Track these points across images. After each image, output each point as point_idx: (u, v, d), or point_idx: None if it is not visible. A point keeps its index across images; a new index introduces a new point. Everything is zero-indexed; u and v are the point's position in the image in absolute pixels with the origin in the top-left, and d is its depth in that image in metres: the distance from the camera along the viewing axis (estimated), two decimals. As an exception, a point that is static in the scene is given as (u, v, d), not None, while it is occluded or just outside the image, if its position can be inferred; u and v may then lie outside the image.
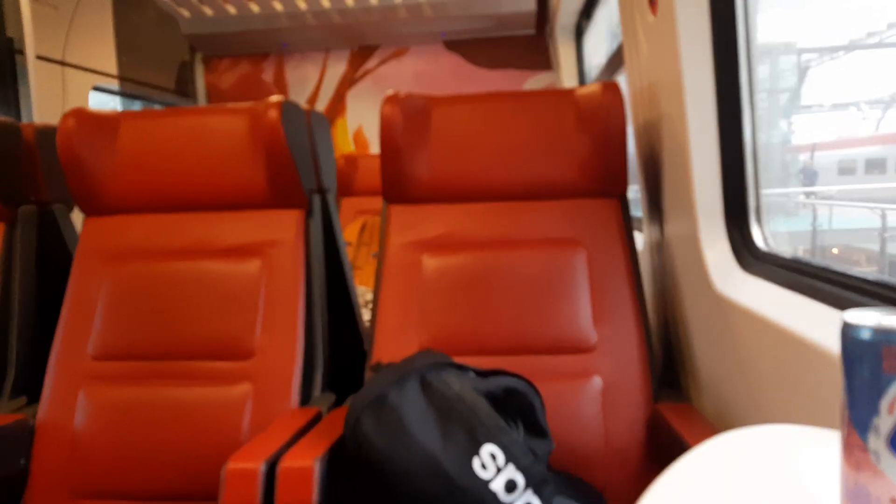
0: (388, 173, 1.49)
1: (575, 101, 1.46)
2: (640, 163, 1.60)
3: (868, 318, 0.52)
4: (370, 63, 4.28)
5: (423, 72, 4.22)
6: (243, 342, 1.38)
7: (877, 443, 0.50)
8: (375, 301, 1.44)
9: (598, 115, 1.41)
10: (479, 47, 4.14)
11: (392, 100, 1.47)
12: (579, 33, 3.58)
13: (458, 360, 1.18)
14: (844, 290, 0.90)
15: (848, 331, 0.52)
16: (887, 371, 0.49)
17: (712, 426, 1.16)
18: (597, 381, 1.32)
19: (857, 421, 0.51)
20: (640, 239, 1.67)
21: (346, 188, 3.76)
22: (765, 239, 1.17)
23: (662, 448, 1.23)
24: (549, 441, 1.12)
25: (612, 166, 1.42)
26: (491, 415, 1.05)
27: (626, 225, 1.43)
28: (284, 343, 1.38)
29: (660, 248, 1.52)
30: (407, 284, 1.43)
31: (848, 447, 0.51)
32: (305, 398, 1.38)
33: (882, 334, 0.49)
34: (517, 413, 1.11)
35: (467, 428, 1.04)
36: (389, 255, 1.46)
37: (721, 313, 1.14)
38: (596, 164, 1.42)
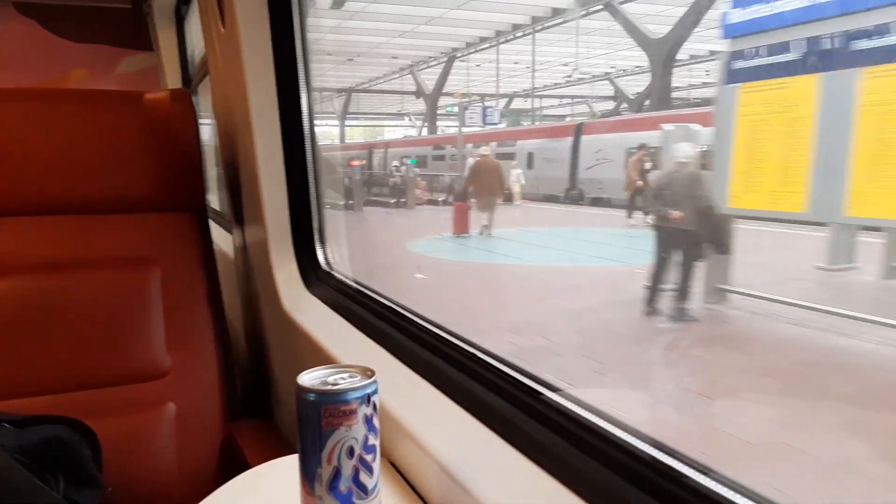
0: None
1: (144, 107, 1.34)
2: (224, 174, 1.56)
3: (315, 379, 0.57)
4: None
5: (-13, 38, 3.50)
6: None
7: (321, 489, 0.56)
8: None
9: (169, 124, 1.32)
10: (63, 15, 3.50)
11: None
12: (181, 17, 3.35)
13: (1, 405, 1.01)
14: (376, 319, 0.98)
15: (300, 394, 0.56)
16: (326, 427, 0.55)
17: (287, 440, 1.18)
18: (170, 409, 1.24)
19: (307, 473, 0.57)
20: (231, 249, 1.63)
21: None
22: (327, 260, 1.23)
23: (234, 469, 1.21)
24: (99, 488, 1.02)
25: (187, 178, 1.34)
26: (20, 485, 0.91)
27: (206, 241, 1.37)
28: None
29: (244, 261, 1.50)
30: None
31: (303, 496, 0.59)
32: None
33: (322, 396, 0.55)
34: (58, 466, 0.99)
35: None
36: None
37: (288, 333, 1.17)
38: (169, 176, 1.33)
